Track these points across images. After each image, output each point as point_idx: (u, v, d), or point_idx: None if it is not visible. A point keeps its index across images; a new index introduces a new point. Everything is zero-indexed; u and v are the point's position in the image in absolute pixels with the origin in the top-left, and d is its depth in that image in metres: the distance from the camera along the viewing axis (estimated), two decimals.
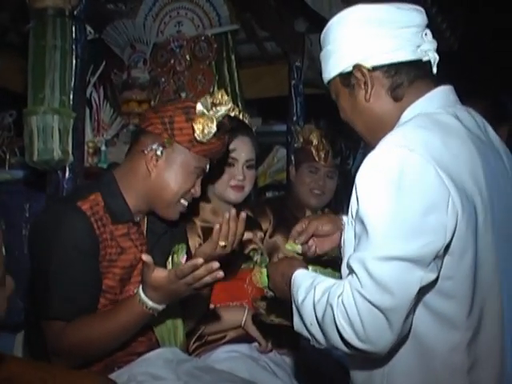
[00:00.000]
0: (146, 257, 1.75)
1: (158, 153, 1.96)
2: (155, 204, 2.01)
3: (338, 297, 1.42)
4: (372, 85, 1.60)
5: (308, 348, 2.54)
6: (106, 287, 1.94)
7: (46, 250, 1.88)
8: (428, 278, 1.39)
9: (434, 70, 1.66)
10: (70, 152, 2.44)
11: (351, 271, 1.43)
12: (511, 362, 1.55)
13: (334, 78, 1.67)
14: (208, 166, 2.04)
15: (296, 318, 1.58)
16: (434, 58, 1.64)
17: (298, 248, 1.95)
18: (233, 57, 4.07)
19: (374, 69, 1.60)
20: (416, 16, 1.62)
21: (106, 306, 1.93)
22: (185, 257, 2.07)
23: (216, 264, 1.75)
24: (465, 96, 1.75)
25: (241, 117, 2.64)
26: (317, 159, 2.99)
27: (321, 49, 1.72)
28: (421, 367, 1.49)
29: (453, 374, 1.48)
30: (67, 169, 2.46)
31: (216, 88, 3.84)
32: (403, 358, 1.49)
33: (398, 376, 1.51)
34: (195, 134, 1.93)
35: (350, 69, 1.62)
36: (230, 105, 2.01)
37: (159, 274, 1.76)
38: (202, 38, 3.97)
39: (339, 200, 4.37)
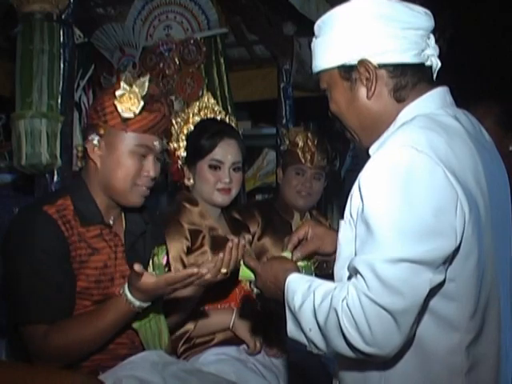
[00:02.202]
0: (137, 267, 1.75)
1: (95, 142, 1.95)
2: (112, 194, 1.99)
3: (343, 300, 1.39)
4: (376, 83, 1.55)
5: (295, 350, 2.56)
6: (81, 289, 1.92)
7: (15, 255, 1.88)
8: (436, 279, 1.37)
9: (434, 76, 1.64)
10: (58, 156, 2.45)
11: (355, 274, 1.41)
12: (505, 364, 1.55)
13: (332, 69, 1.60)
14: (157, 143, 1.99)
15: (291, 325, 1.54)
16: (436, 64, 1.62)
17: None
18: (222, 60, 4.08)
19: (380, 67, 1.55)
20: (425, 19, 1.58)
21: (87, 307, 1.92)
22: (165, 257, 2.07)
23: (204, 270, 1.77)
24: (462, 99, 1.74)
25: (227, 120, 2.65)
26: (303, 161, 3.01)
27: (316, 36, 1.66)
28: (419, 368, 1.47)
29: (451, 375, 1.47)
30: (55, 172, 2.47)
31: (205, 91, 3.85)
32: (402, 359, 1.47)
33: (396, 377, 1.48)
34: (121, 113, 1.91)
35: (355, 63, 1.56)
36: (148, 75, 1.98)
37: (148, 279, 1.77)
38: (191, 41, 3.99)
39: (328, 201, 4.40)
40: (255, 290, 1.81)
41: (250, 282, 1.85)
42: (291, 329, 1.55)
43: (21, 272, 1.87)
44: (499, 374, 1.54)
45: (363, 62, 1.55)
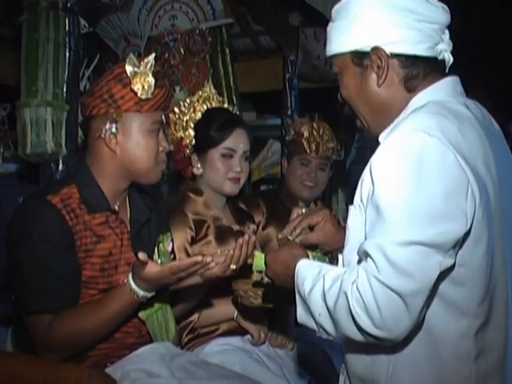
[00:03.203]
0: (142, 255, 1.74)
1: (114, 130, 1.94)
2: (136, 176, 2.00)
3: (352, 283, 1.39)
4: (387, 71, 1.57)
5: (298, 340, 2.56)
6: (87, 278, 1.92)
7: (18, 245, 1.88)
8: (446, 263, 1.37)
9: (446, 71, 1.64)
10: (64, 144, 2.45)
11: (365, 257, 1.41)
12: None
13: (345, 54, 1.62)
14: (163, 117, 2.03)
15: (301, 310, 1.55)
16: (448, 58, 1.63)
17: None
18: (227, 50, 4.07)
19: (392, 56, 1.56)
20: (441, 14, 1.59)
21: (93, 296, 1.92)
22: (171, 244, 2.06)
23: (209, 258, 1.77)
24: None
25: (231, 110, 2.65)
26: (308, 151, 3.01)
27: (333, 20, 1.67)
28: (428, 354, 1.48)
29: (460, 361, 1.47)
30: (60, 161, 2.47)
31: (210, 81, 3.84)
32: (411, 344, 1.47)
33: (404, 362, 1.49)
34: (139, 95, 1.92)
35: (368, 50, 1.58)
36: (154, 53, 2.00)
37: (152, 269, 1.76)
38: (197, 31, 3.96)
39: (333, 192, 4.40)
40: (266, 279, 1.82)
41: (261, 272, 1.86)
42: (301, 314, 1.55)
43: (23, 262, 1.87)
44: (505, 361, 1.54)
45: (376, 50, 1.57)
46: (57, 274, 1.85)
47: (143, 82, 1.91)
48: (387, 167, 1.41)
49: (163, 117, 2.02)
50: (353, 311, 1.38)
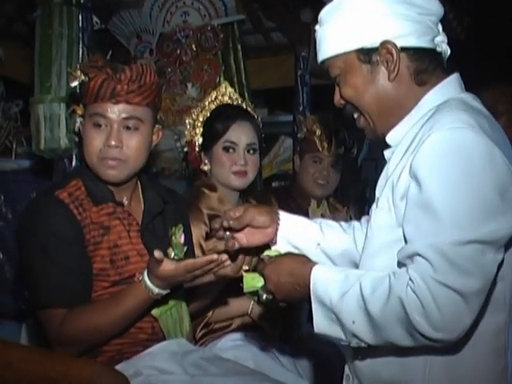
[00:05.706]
0: (157, 253, 1.74)
1: (78, 124, 2.01)
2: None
3: (407, 287, 1.36)
4: (399, 65, 1.55)
5: (311, 336, 2.56)
6: (98, 271, 1.92)
7: (28, 241, 1.90)
8: (499, 259, 1.37)
9: (445, 62, 1.64)
10: (77, 140, 2.45)
11: (411, 259, 1.39)
12: None
13: (348, 53, 1.59)
14: (114, 111, 1.91)
15: (321, 319, 1.49)
16: (446, 50, 1.63)
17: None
18: (239, 47, 4.07)
19: (402, 50, 1.55)
20: (437, 6, 1.60)
21: (105, 289, 1.93)
22: (182, 236, 2.06)
23: (225, 256, 1.75)
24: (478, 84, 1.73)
25: (244, 105, 2.63)
26: (320, 149, 3.02)
27: (324, 21, 1.63)
28: (467, 350, 1.46)
29: (496, 356, 1.48)
30: (74, 157, 2.48)
31: (222, 78, 3.84)
32: (450, 344, 1.42)
33: (442, 362, 1.47)
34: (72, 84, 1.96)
35: (376, 45, 1.55)
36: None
37: (167, 266, 1.76)
38: (208, 28, 3.97)
39: (345, 189, 4.39)
40: (265, 296, 1.65)
41: (257, 292, 1.68)
42: (322, 323, 1.49)
43: (33, 257, 1.89)
44: None
45: (386, 45, 1.55)
46: (66, 267, 1.87)
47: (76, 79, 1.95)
48: (436, 166, 1.39)
49: (112, 110, 1.90)
50: (410, 316, 1.35)
